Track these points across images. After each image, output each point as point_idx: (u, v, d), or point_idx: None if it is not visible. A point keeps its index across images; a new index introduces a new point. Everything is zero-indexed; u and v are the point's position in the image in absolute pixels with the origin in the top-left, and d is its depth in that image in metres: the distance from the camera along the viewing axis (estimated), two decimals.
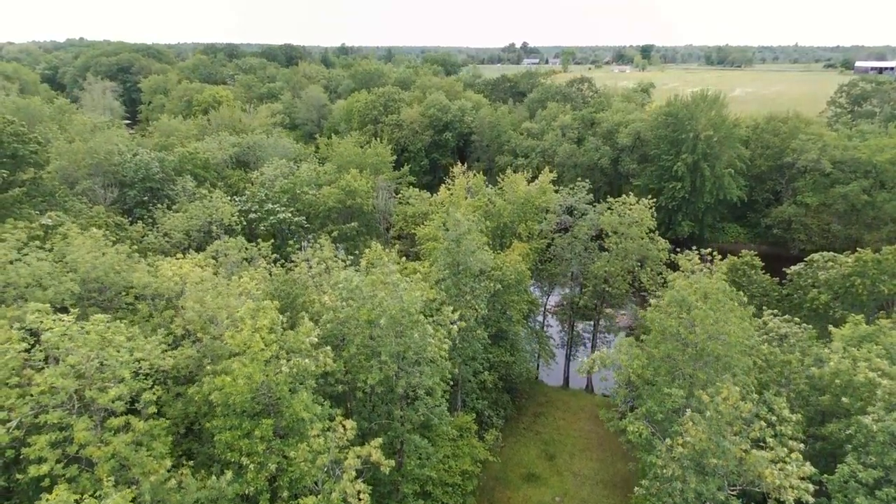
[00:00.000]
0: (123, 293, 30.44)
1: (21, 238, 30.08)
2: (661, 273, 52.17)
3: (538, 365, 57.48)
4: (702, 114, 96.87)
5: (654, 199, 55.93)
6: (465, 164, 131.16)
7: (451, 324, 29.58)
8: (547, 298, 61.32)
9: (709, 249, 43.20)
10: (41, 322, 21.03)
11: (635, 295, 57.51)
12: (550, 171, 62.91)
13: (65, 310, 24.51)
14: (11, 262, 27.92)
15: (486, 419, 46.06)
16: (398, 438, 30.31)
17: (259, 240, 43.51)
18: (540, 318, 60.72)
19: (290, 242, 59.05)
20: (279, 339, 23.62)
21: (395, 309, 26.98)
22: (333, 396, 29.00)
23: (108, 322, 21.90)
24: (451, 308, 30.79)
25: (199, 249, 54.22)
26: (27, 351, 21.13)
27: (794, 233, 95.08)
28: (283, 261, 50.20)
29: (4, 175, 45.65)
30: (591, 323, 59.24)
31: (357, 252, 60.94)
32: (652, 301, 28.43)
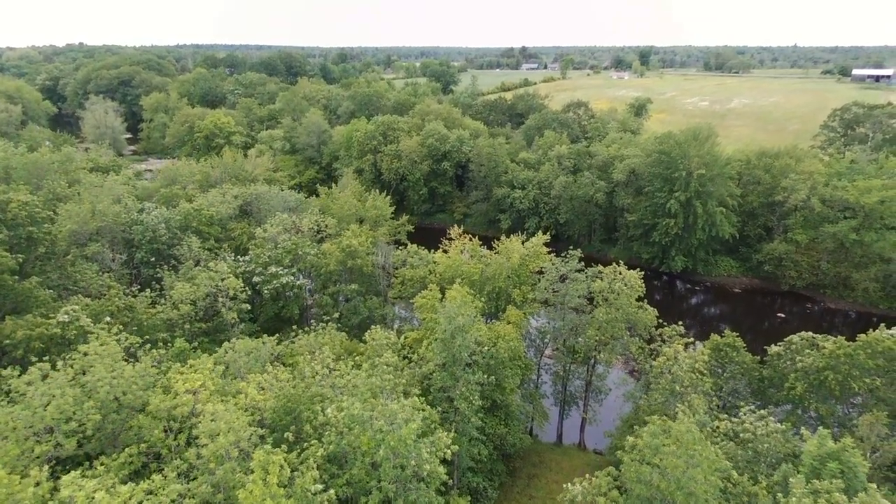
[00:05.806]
0: (140, 413, 32.79)
1: (44, 368, 32.38)
2: (650, 341, 54.64)
3: (531, 428, 59.69)
4: (694, 152, 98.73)
5: (645, 260, 58.19)
6: (464, 191, 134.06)
7: (446, 448, 31.83)
8: (541, 357, 63.45)
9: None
10: (75, 489, 23.32)
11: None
12: (544, 233, 65.32)
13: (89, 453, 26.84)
14: (41, 395, 30.28)
15: (481, 492, 48.31)
16: None
17: (265, 335, 45.66)
18: (534, 377, 62.80)
19: (294, 309, 61.58)
20: (287, 488, 25.90)
21: (394, 440, 29.27)
22: None
23: (132, 489, 24.20)
24: (446, 433, 33.02)
25: (204, 318, 56.61)
26: None
27: (784, 269, 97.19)
28: (287, 336, 52.69)
29: (20, 260, 47.79)
30: (584, 382, 61.42)
31: (357, 312, 63.57)
32: (630, 438, 30.68)
